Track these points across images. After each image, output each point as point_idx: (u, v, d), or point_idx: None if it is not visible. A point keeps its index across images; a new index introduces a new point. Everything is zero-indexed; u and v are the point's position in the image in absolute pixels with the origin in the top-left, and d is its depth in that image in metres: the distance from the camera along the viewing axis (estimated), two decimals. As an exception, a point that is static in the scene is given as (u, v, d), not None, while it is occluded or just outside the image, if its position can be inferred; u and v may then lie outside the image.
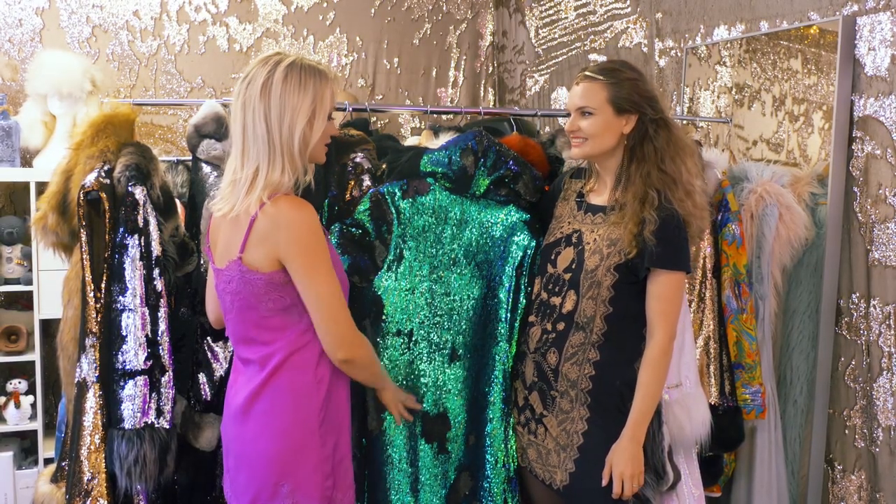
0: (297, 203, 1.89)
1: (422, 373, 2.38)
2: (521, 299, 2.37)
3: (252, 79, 1.91)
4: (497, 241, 2.38)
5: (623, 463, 2.13)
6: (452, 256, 2.38)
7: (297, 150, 1.90)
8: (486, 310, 2.39)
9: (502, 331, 2.36)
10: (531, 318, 2.33)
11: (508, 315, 2.36)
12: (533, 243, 2.36)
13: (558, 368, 2.23)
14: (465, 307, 2.38)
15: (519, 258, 2.36)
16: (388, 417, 2.36)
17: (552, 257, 2.29)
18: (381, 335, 2.38)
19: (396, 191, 2.40)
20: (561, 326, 2.23)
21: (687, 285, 2.73)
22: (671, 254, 2.13)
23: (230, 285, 1.95)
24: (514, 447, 2.35)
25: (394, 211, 2.39)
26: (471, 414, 2.38)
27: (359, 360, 1.99)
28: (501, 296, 2.37)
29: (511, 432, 2.35)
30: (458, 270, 2.38)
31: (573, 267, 2.22)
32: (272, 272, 1.89)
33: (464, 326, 2.38)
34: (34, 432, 3.68)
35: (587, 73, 2.23)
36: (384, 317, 2.38)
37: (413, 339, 2.38)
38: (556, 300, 2.25)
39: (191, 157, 2.62)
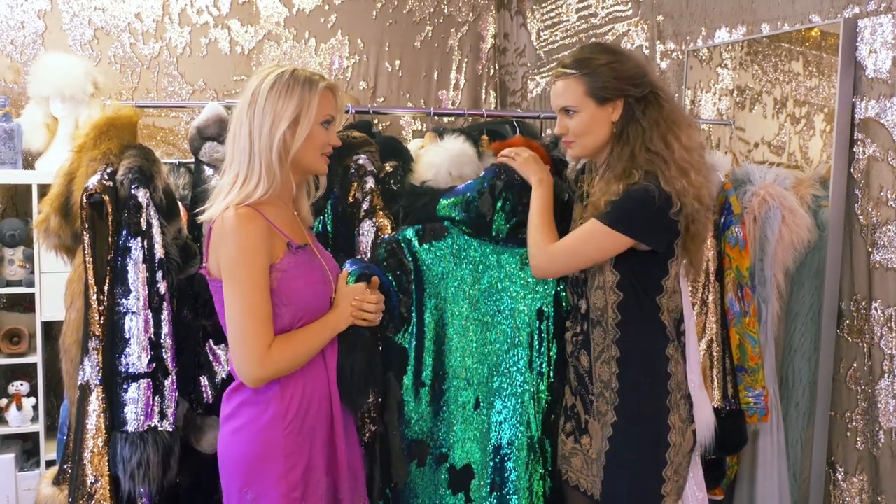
0: (243, 215, 1.87)
1: (447, 423, 2.33)
2: (544, 347, 2.32)
3: (246, 90, 1.94)
4: (517, 283, 2.34)
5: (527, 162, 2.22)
6: (473, 302, 2.33)
7: (275, 157, 1.90)
8: (508, 356, 2.34)
9: (526, 378, 2.32)
10: (567, 324, 2.29)
11: (529, 362, 2.32)
12: (555, 284, 2.31)
13: (591, 370, 2.17)
14: (486, 354, 2.33)
15: (540, 302, 2.32)
16: (413, 469, 2.32)
17: None
18: (405, 387, 2.33)
19: (412, 237, 2.33)
20: (585, 327, 2.19)
21: (690, 288, 2.73)
22: (611, 209, 2.01)
23: (211, 293, 1.98)
24: (539, 494, 2.30)
25: (410, 258, 2.32)
26: (494, 462, 2.33)
27: (276, 375, 1.90)
28: (522, 341, 2.33)
29: (536, 479, 2.31)
30: (479, 316, 2.33)
31: None
32: None
33: (485, 374, 2.33)
34: (36, 434, 3.69)
35: (559, 68, 2.12)
36: (408, 368, 2.32)
37: (437, 389, 2.32)
38: (580, 301, 2.21)
39: (193, 160, 2.62)
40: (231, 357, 1.91)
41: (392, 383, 2.34)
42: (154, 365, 2.20)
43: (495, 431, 2.33)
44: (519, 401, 2.32)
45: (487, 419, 2.33)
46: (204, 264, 1.98)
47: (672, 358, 2.14)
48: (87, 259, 2.23)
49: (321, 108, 1.95)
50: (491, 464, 2.33)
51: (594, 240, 2.05)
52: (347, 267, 2.13)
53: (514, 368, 2.33)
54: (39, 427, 3.63)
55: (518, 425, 2.32)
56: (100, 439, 2.19)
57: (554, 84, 2.14)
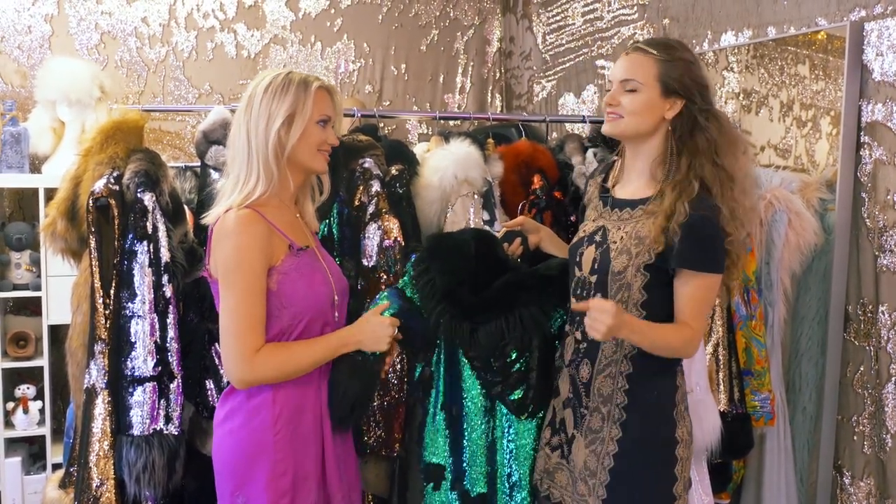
0: (243, 217, 1.89)
1: (465, 449, 2.28)
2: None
3: (244, 94, 1.98)
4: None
5: (613, 315, 1.80)
6: None
7: (271, 156, 1.92)
8: None
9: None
10: (567, 328, 2.16)
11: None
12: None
13: (590, 382, 2.03)
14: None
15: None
16: (429, 492, 2.29)
17: (577, 259, 2.10)
18: (430, 413, 2.30)
19: None
20: None
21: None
22: (700, 253, 1.93)
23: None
24: None
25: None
26: (505, 491, 2.29)
27: (264, 379, 1.91)
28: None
29: None
30: None
31: (597, 268, 2.03)
32: None
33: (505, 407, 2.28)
34: (42, 437, 3.70)
35: (639, 45, 2.00)
36: (430, 397, 2.29)
37: (457, 415, 2.28)
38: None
39: (199, 164, 2.63)
40: (221, 356, 1.92)
41: (417, 409, 2.33)
42: (160, 368, 2.20)
43: (508, 459, 2.30)
44: (532, 430, 2.27)
45: (503, 447, 2.29)
46: (206, 266, 1.99)
47: (680, 371, 2.07)
48: (93, 263, 2.23)
49: (316, 106, 1.97)
50: (503, 491, 2.29)
51: (711, 293, 1.99)
52: (387, 297, 2.16)
53: None
54: (46, 430, 3.64)
55: (529, 455, 2.27)
56: (105, 443, 2.19)
57: (627, 55, 2.02)
